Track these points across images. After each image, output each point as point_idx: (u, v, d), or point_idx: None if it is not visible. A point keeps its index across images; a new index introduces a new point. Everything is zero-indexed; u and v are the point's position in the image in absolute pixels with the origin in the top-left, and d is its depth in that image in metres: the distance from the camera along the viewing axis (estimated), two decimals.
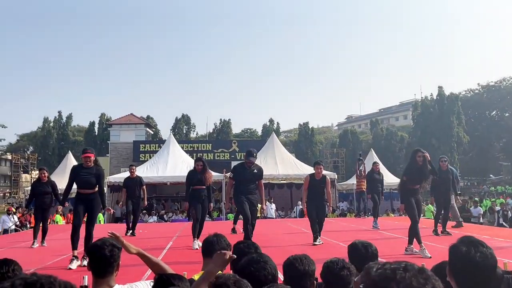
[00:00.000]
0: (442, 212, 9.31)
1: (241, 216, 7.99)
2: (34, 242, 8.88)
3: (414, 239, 6.77)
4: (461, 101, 45.31)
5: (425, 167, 6.90)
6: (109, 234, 2.91)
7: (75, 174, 6.73)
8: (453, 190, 9.51)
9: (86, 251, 2.64)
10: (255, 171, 7.58)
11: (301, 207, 20.39)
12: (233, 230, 10.26)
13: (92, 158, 6.69)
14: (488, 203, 19.76)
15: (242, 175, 7.52)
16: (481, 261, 1.79)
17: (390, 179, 23.22)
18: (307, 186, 8.18)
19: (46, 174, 9.28)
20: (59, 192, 9.40)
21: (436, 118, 42.71)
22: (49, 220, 11.25)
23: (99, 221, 15.78)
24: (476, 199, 20.67)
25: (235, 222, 10.82)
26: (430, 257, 6.17)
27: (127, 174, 11.28)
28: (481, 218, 17.06)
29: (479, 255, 1.80)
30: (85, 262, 5.34)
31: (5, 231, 14.68)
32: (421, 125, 44.64)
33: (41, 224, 9.13)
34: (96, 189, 6.78)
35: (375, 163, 12.43)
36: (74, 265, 6.29)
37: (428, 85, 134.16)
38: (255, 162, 7.71)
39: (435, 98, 45.09)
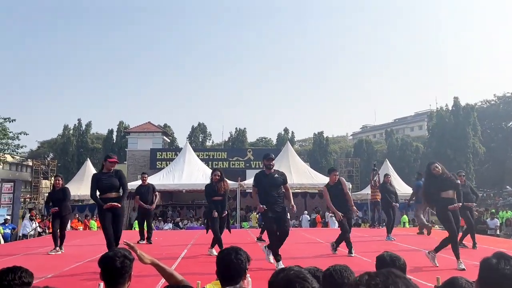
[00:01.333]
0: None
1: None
2: (55, 248, 8.98)
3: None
4: (477, 112, 44.91)
5: (444, 175, 6.85)
6: (124, 243, 2.96)
7: (98, 180, 6.87)
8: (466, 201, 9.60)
9: (98, 262, 2.65)
10: (276, 175, 7.05)
11: (307, 216, 20.47)
12: (259, 239, 10.63)
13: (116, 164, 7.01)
14: (505, 215, 19.58)
15: (263, 182, 7.00)
16: (509, 274, 1.86)
17: (404, 189, 23.23)
18: (329, 196, 8.19)
19: (61, 182, 9.41)
20: (70, 199, 9.73)
21: (452, 129, 42.41)
22: (68, 226, 11.45)
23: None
24: (493, 210, 20.51)
25: (262, 232, 10.98)
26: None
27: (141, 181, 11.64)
28: (498, 231, 16.96)
29: (509, 268, 1.87)
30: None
31: (24, 236, 14.91)
32: (436, 136, 44.34)
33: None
34: (121, 192, 6.99)
35: (386, 175, 12.45)
36: None
37: (443, 95, 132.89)
38: (275, 168, 7.23)
39: (450, 108, 44.80)
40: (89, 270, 6.48)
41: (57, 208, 9.05)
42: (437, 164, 6.96)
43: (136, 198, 10.87)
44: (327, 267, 2.55)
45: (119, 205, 6.77)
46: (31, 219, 15.11)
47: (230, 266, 2.56)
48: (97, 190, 6.90)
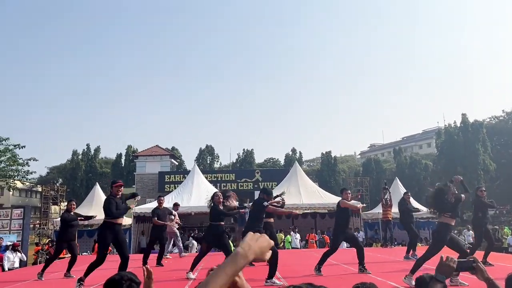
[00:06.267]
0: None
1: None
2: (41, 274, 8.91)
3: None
4: (485, 128, 44.71)
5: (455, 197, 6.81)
6: (144, 268, 2.96)
7: (116, 203, 7.06)
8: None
9: (104, 286, 2.60)
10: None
11: (297, 237, 20.01)
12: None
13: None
14: None
15: (262, 213, 7.78)
16: None
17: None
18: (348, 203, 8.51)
19: (74, 206, 9.59)
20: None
21: (461, 146, 42.16)
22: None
23: None
24: (506, 228, 20.18)
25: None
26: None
27: (152, 204, 11.64)
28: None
29: None
30: None
31: (9, 270, 13.28)
32: (445, 153, 44.08)
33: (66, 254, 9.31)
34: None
35: (406, 193, 12.08)
36: None
37: (451, 112, 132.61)
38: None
39: (458, 125, 44.65)
40: None
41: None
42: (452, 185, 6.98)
43: (154, 219, 10.80)
44: (355, 284, 2.51)
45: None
46: (14, 250, 13.79)
47: None
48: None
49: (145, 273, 2.81)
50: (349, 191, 8.69)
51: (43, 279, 8.82)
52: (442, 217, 6.75)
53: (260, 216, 7.64)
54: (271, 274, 6.86)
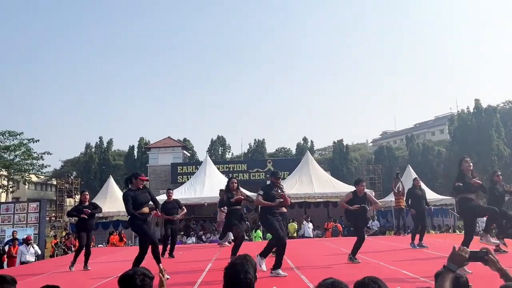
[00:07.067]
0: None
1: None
2: (72, 265, 9.06)
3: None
4: (499, 113, 44.11)
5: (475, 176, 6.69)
6: (160, 268, 3.06)
7: (133, 198, 7.05)
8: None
9: (118, 281, 2.64)
10: (280, 192, 7.40)
11: (310, 226, 19.84)
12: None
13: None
14: None
15: (269, 194, 7.27)
16: None
17: (428, 195, 22.82)
18: (347, 200, 8.31)
19: (88, 197, 9.52)
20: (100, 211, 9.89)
21: (474, 132, 41.68)
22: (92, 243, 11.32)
23: None
24: None
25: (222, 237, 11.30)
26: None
27: (165, 196, 11.70)
28: None
29: None
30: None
31: (23, 263, 13.47)
32: (458, 139, 43.61)
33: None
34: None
35: (415, 179, 11.84)
36: None
37: (463, 98, 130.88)
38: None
39: (472, 111, 44.11)
40: (115, 287, 6.51)
41: (88, 210, 9.13)
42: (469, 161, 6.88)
43: (161, 215, 10.89)
44: (361, 278, 2.50)
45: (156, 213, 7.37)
46: (27, 244, 13.91)
47: (238, 285, 2.51)
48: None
49: (161, 278, 2.90)
50: (364, 183, 8.52)
51: (73, 269, 9.00)
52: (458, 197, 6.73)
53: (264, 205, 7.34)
54: (276, 265, 6.84)
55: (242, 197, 8.46)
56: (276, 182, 7.38)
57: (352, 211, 8.16)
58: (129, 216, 7.10)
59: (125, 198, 7.06)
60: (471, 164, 6.69)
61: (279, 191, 7.35)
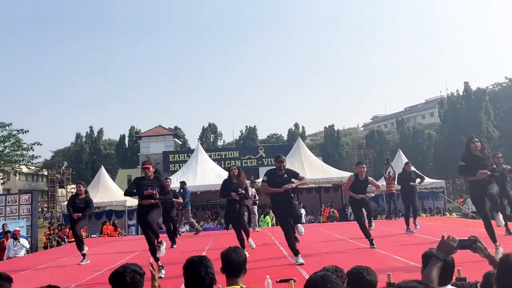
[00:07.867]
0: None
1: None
2: (84, 258, 8.93)
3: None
4: (488, 96, 44.35)
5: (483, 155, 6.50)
6: (150, 263, 3.00)
7: (138, 185, 6.97)
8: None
9: (108, 279, 2.64)
10: (286, 176, 7.18)
11: (302, 212, 19.89)
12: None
13: (152, 169, 7.10)
14: None
15: (276, 182, 7.12)
16: None
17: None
18: (350, 185, 8.42)
19: (83, 189, 9.31)
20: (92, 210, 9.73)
21: (464, 114, 41.95)
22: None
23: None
24: None
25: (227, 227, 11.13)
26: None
27: None
28: None
29: None
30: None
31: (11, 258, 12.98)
32: (448, 122, 43.90)
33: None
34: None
35: (407, 163, 11.56)
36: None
37: (453, 81, 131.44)
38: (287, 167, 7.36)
39: (461, 94, 44.32)
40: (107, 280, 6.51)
41: (80, 214, 8.94)
42: (478, 140, 6.56)
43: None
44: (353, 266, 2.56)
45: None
46: (15, 239, 13.18)
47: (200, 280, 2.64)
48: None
49: (152, 273, 2.89)
50: (363, 165, 8.59)
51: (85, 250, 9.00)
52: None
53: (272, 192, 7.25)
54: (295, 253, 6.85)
55: (237, 196, 8.02)
56: (280, 166, 7.18)
57: (356, 199, 8.32)
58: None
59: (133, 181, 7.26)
60: (478, 144, 6.46)
61: (285, 175, 7.17)
